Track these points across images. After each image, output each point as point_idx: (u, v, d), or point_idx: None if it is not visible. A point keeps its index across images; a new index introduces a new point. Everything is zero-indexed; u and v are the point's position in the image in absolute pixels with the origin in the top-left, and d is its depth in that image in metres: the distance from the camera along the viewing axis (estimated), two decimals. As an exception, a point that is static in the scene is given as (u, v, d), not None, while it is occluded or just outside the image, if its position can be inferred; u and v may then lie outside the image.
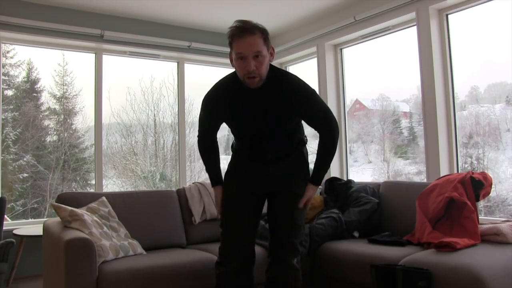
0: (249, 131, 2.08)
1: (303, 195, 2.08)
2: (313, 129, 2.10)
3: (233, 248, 2.07)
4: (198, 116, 2.15)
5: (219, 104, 2.02)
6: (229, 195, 2.13)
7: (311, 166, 2.16)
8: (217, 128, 2.15)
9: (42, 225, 2.69)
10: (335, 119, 2.05)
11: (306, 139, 2.22)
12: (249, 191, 2.11)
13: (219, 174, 2.19)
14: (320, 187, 2.23)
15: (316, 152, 2.08)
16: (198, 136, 2.18)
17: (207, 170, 2.19)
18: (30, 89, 4.48)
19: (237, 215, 2.07)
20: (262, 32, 1.87)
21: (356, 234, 2.91)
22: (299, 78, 2.03)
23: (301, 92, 1.98)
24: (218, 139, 2.23)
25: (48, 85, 4.51)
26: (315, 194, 2.20)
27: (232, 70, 2.09)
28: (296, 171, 2.12)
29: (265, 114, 1.99)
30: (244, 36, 1.83)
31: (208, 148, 2.18)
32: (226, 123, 2.15)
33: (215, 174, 2.18)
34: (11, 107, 4.29)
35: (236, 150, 2.22)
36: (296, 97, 1.95)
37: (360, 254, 2.51)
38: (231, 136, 2.27)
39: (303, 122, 2.15)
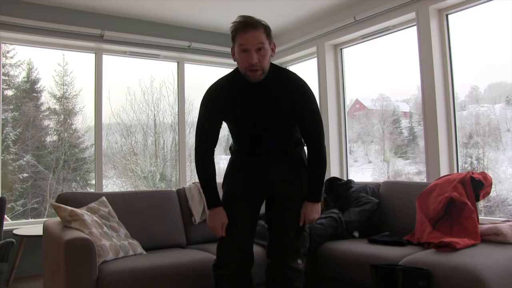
0: (249, 128, 2.06)
1: (304, 197, 2.07)
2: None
3: (232, 250, 2.05)
4: (198, 116, 2.09)
5: (220, 98, 2.01)
6: (228, 196, 2.12)
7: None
8: (216, 131, 2.05)
9: (42, 225, 2.69)
10: (324, 136, 2.06)
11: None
12: (248, 192, 2.10)
13: (217, 195, 2.06)
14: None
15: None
16: (195, 149, 2.05)
17: (205, 190, 2.06)
18: (30, 89, 4.48)
19: (235, 216, 2.05)
20: (264, 27, 1.91)
21: (356, 234, 2.90)
22: (299, 76, 2.05)
23: (301, 87, 2.00)
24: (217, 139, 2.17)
25: (48, 85, 4.51)
26: (317, 214, 2.08)
27: (232, 69, 2.10)
28: (296, 173, 2.11)
29: (266, 108, 1.99)
30: (248, 30, 1.86)
31: (206, 168, 2.05)
32: (226, 121, 2.11)
33: (214, 194, 2.05)
34: (11, 107, 4.29)
35: (234, 152, 2.20)
36: (295, 92, 1.97)
37: (360, 254, 2.51)
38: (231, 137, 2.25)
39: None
